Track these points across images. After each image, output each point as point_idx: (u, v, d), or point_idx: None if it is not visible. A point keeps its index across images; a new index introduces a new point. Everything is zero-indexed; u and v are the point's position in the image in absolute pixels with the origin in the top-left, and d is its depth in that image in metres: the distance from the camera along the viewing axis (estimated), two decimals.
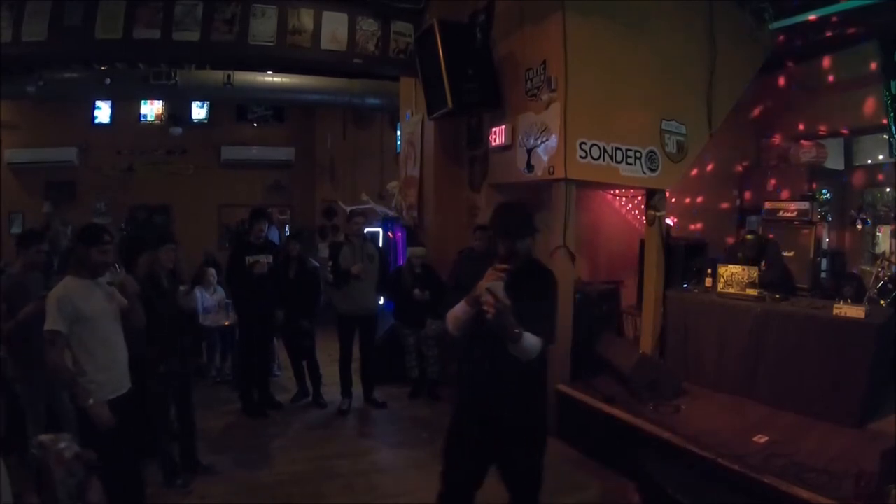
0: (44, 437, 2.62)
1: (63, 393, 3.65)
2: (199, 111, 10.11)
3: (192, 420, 3.96)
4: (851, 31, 5.45)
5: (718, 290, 4.84)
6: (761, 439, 3.58)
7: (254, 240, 5.09)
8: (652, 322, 5.14)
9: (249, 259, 4.96)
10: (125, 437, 2.96)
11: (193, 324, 5.41)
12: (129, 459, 3.11)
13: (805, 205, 6.09)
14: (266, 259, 5.01)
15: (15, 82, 7.23)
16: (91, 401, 2.78)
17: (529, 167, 4.95)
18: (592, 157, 4.63)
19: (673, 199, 6.02)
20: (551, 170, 4.65)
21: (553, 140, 4.64)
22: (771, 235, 5.69)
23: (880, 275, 4.67)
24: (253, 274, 4.93)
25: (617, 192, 6.34)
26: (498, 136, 5.39)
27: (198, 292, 6.00)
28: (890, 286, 4.61)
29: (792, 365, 4.16)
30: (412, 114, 6.77)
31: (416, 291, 5.38)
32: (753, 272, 4.71)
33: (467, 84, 5.12)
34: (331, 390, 5.50)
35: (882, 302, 4.47)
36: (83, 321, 2.82)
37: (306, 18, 5.65)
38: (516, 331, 2.23)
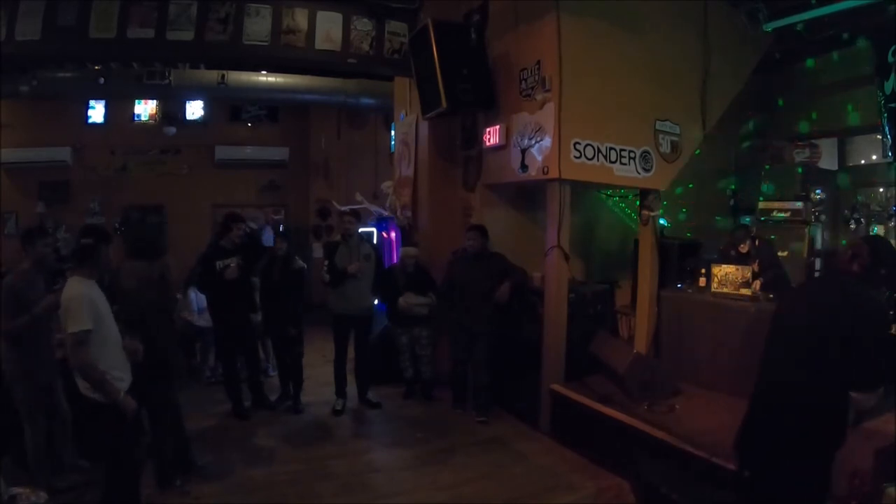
0: (18, 490, 2.70)
1: (61, 396, 3.64)
2: (193, 111, 10.07)
3: (181, 426, 3.89)
4: (846, 31, 5.47)
5: (712, 289, 4.85)
6: None
7: (225, 243, 4.99)
8: (646, 322, 5.15)
9: (220, 264, 4.88)
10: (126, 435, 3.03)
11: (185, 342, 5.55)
12: (130, 458, 3.13)
13: (798, 205, 6.11)
14: (237, 261, 4.91)
15: (9, 82, 7.18)
16: (122, 394, 2.89)
17: (524, 167, 4.95)
18: (586, 157, 4.64)
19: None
20: (545, 170, 4.65)
21: (547, 140, 4.64)
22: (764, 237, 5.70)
23: None
24: (224, 278, 4.85)
25: (611, 191, 6.34)
26: (492, 136, 5.39)
27: (192, 294, 5.96)
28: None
29: None
30: (406, 114, 6.76)
31: (401, 300, 5.32)
32: (747, 272, 4.72)
33: (462, 84, 5.11)
34: (325, 390, 5.48)
35: None
36: (100, 320, 2.89)
37: (300, 18, 5.63)
38: None
